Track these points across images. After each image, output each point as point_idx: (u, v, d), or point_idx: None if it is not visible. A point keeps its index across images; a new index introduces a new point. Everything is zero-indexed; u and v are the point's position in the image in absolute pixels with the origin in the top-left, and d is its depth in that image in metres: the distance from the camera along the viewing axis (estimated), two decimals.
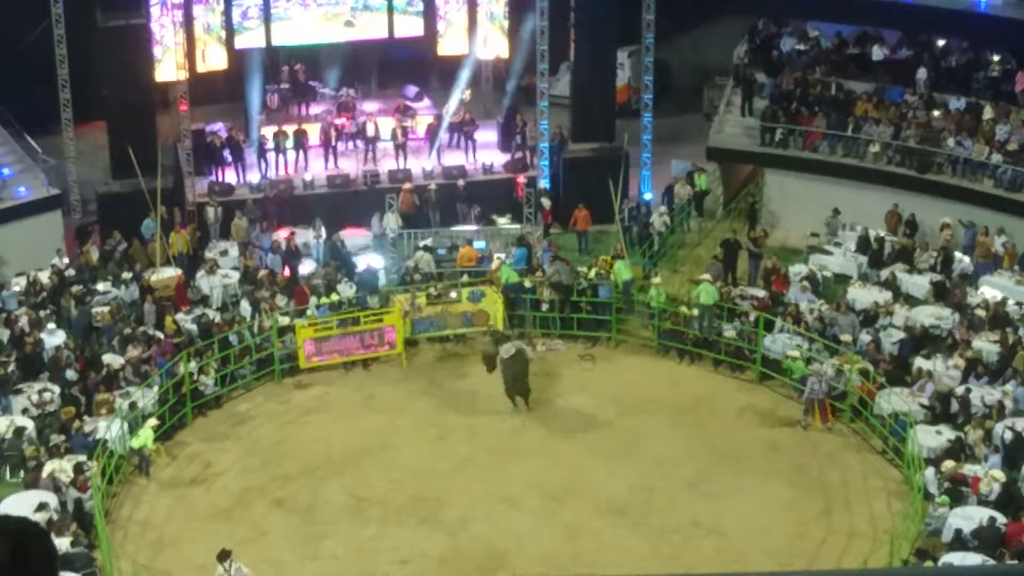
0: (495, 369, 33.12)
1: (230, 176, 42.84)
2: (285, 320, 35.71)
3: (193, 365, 33.53)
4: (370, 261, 38.91)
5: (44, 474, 29.42)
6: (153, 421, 31.50)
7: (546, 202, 41.79)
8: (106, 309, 36.07)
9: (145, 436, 30.98)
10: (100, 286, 37.82)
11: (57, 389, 32.78)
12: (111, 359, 34.19)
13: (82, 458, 30.02)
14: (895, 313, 35.76)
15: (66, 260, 38.78)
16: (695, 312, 35.67)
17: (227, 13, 43.34)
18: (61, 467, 29.78)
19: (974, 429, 30.84)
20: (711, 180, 43.87)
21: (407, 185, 41.74)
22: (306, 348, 34.97)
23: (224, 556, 26.51)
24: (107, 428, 30.91)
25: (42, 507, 27.96)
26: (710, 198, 43.94)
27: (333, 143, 43.46)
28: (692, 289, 36.92)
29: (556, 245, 40.66)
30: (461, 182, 42.44)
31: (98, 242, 40.13)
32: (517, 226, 40.92)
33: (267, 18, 43.93)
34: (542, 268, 38.02)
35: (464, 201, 41.96)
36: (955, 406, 31.96)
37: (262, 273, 37.92)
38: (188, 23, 41.79)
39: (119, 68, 40.34)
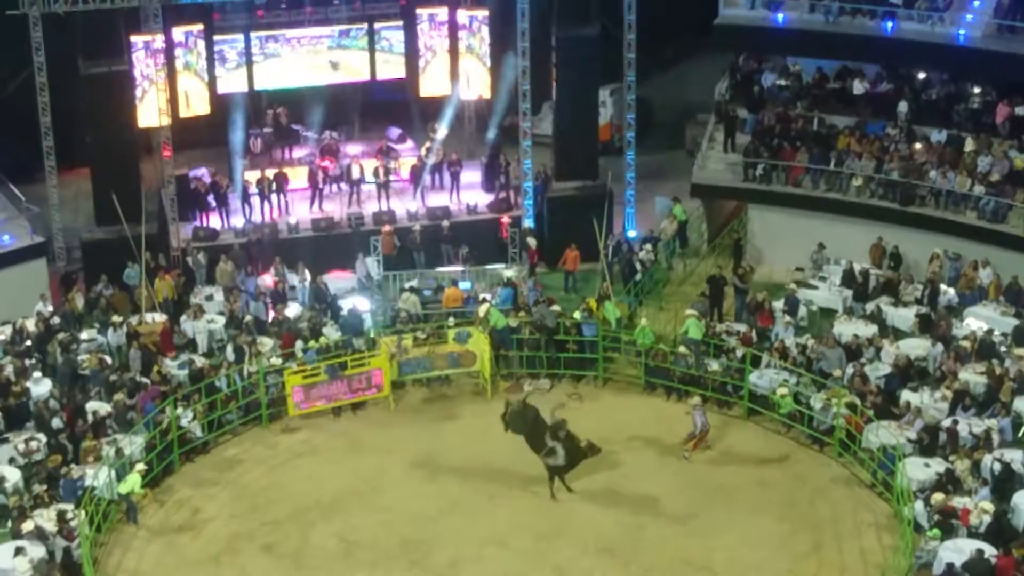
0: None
1: (214, 221, 42.85)
2: (277, 362, 35.61)
3: (180, 411, 33.43)
4: (355, 304, 38.90)
5: (30, 524, 29.27)
6: (141, 466, 31.36)
7: (532, 242, 41.83)
8: (92, 356, 35.99)
9: (133, 481, 30.84)
10: (85, 333, 37.75)
11: (44, 438, 32.64)
12: (97, 406, 34.07)
13: (68, 506, 29.87)
14: (883, 348, 35.72)
15: (50, 307, 38.68)
16: (683, 349, 35.70)
17: (209, 57, 43.44)
18: (47, 516, 29.66)
19: (961, 460, 30.83)
20: (688, 210, 43.79)
21: (387, 227, 41.76)
22: (295, 395, 34.88)
23: None
24: (95, 476, 30.78)
25: (19, 552, 27.90)
26: (694, 235, 43.95)
27: (320, 186, 43.51)
28: (678, 327, 36.96)
29: (542, 285, 40.68)
30: (445, 223, 42.47)
31: (83, 289, 40.04)
32: (502, 266, 40.96)
33: (249, 61, 44.04)
34: (528, 308, 37.98)
35: (449, 242, 41.98)
36: (943, 438, 31.96)
37: (248, 318, 37.88)
38: (170, 69, 41.84)
39: (102, 115, 40.33)
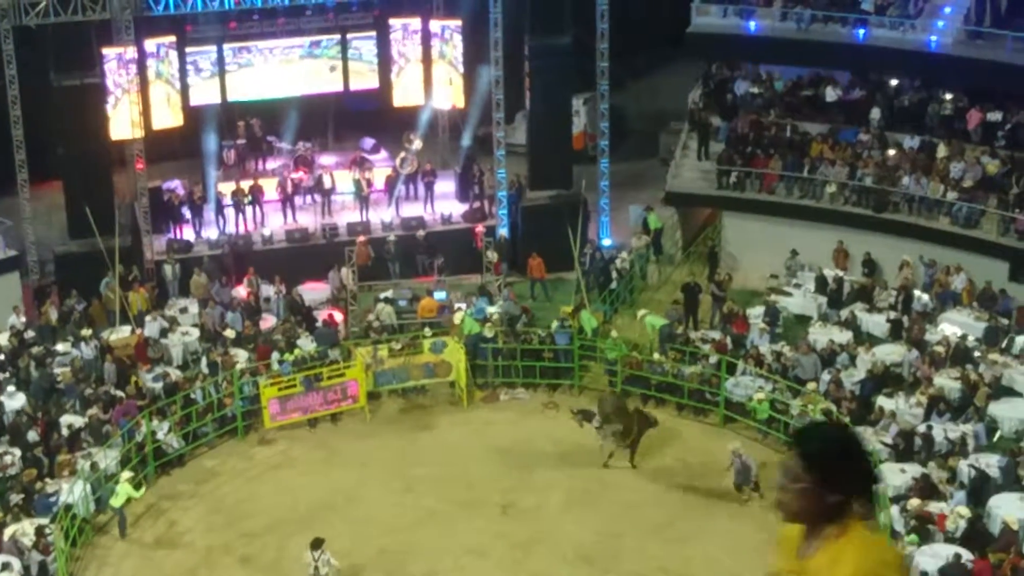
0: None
1: (188, 233, 42.76)
2: (248, 377, 35.56)
3: (156, 424, 33.34)
4: (329, 314, 38.84)
5: (6, 537, 29.16)
6: (127, 474, 31.25)
7: (492, 255, 41.66)
8: (67, 369, 35.86)
9: (125, 492, 30.69)
10: (60, 347, 37.61)
11: (18, 452, 32.50)
12: (72, 419, 33.96)
13: (44, 521, 29.75)
14: (859, 356, 35.79)
15: (23, 318, 38.56)
16: (657, 356, 35.84)
17: (181, 69, 43.36)
18: (23, 530, 29.54)
19: (938, 468, 30.90)
20: (663, 218, 43.85)
21: (361, 238, 41.73)
22: (271, 407, 34.82)
23: (317, 545, 27.92)
24: (70, 490, 30.66)
25: (5, 567, 27.75)
26: (669, 243, 43.99)
27: (291, 197, 43.45)
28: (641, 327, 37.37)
29: (516, 294, 40.70)
30: (421, 233, 42.45)
31: (57, 302, 39.88)
32: (477, 276, 41.01)
33: (222, 71, 43.96)
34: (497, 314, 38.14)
35: (424, 252, 41.96)
36: (918, 444, 32.04)
37: (228, 332, 37.82)
38: (143, 81, 41.74)
39: (74, 128, 40.24)
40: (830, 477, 6.48)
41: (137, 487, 31.16)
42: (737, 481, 31.51)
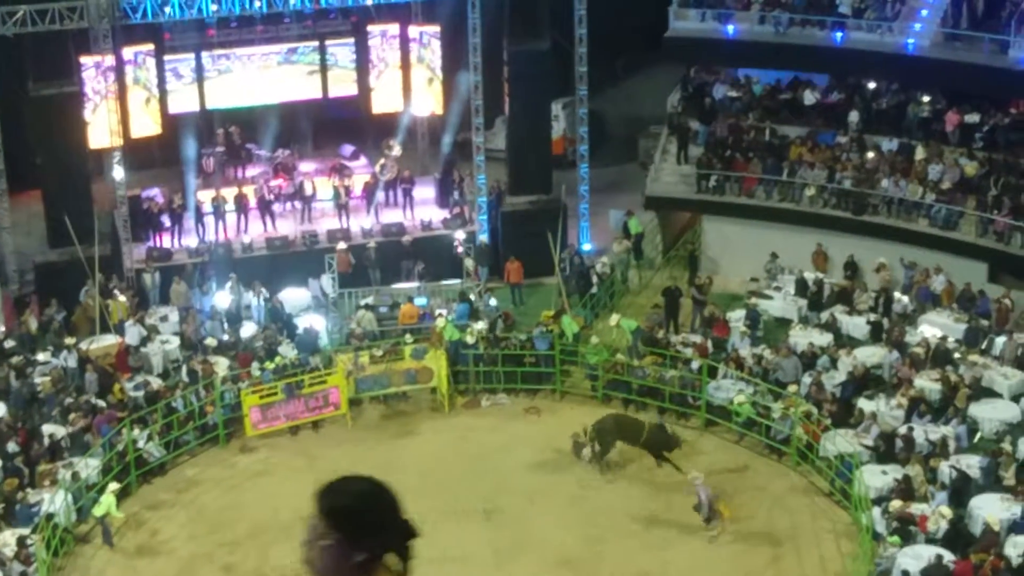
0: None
1: (168, 241, 42.68)
2: (230, 384, 35.49)
3: (137, 433, 33.26)
4: (310, 322, 38.82)
5: None
6: (114, 485, 31.21)
7: (470, 263, 41.64)
8: (47, 379, 35.77)
9: (107, 503, 30.65)
10: (40, 356, 37.51)
11: None
12: (53, 429, 33.87)
13: (26, 531, 29.67)
14: (840, 359, 35.86)
15: (3, 328, 38.48)
16: (636, 362, 35.90)
17: (160, 77, 43.32)
18: (4, 541, 29.46)
19: (914, 466, 30.98)
20: (644, 223, 43.90)
21: (341, 245, 41.70)
22: (252, 415, 34.78)
23: None
24: (51, 500, 30.57)
25: None
26: (649, 247, 44.02)
27: (271, 204, 43.37)
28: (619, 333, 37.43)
29: (497, 299, 40.73)
30: (407, 238, 42.41)
31: (36, 312, 39.77)
32: (457, 281, 41.02)
33: (200, 79, 43.93)
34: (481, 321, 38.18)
35: (410, 257, 41.93)
36: (899, 445, 32.12)
37: (210, 340, 37.77)
38: (121, 89, 41.67)
39: (53, 136, 40.16)
40: (356, 534, 6.14)
41: (118, 506, 31.04)
42: (705, 515, 30.66)
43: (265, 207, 43.31)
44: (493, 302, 39.91)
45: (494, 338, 37.40)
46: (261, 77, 44.60)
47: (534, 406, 36.42)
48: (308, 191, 43.90)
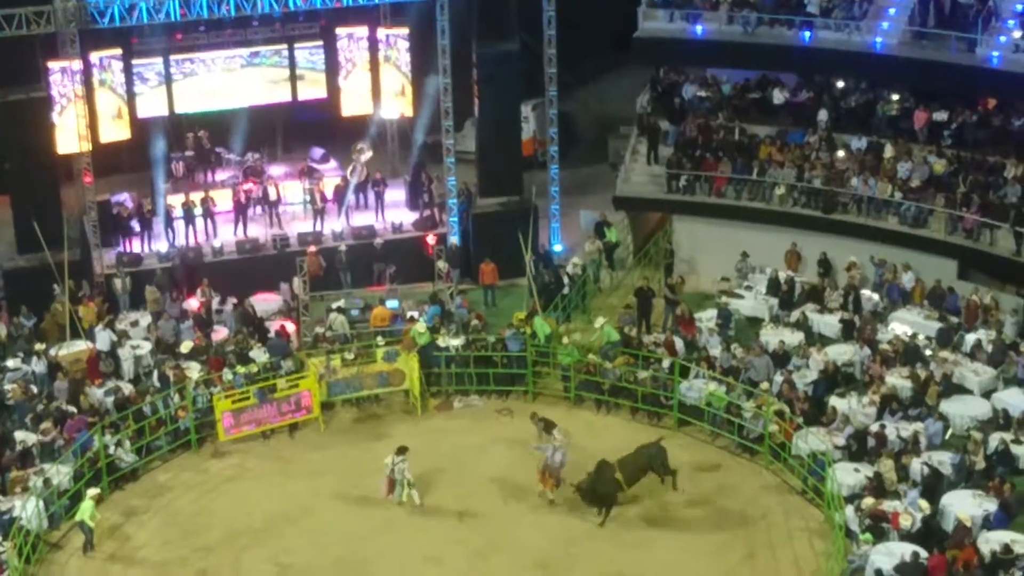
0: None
1: (137, 246, 42.53)
2: (202, 389, 35.37)
3: (109, 439, 33.12)
4: (282, 325, 38.74)
5: None
6: (93, 491, 31.08)
7: (442, 265, 41.61)
8: (16, 386, 35.59)
9: (86, 508, 30.50)
10: (9, 362, 37.33)
11: None
12: (24, 436, 33.71)
13: None
14: (812, 357, 35.94)
15: None
16: (609, 364, 35.90)
17: (128, 80, 43.17)
18: None
19: (885, 463, 31.07)
20: (620, 230, 43.99)
21: (312, 248, 41.62)
22: (224, 420, 34.67)
23: (401, 451, 31.63)
24: (23, 507, 30.43)
25: None
26: (620, 248, 44.03)
27: (244, 208, 43.25)
28: (597, 336, 37.45)
29: (468, 301, 40.72)
30: (379, 241, 42.35)
31: (5, 319, 39.58)
32: (429, 284, 40.99)
33: (168, 82, 43.80)
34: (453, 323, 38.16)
35: (381, 260, 41.87)
36: (872, 443, 32.21)
37: (184, 346, 37.66)
38: (89, 93, 41.51)
39: (21, 142, 39.91)
40: None
41: (92, 516, 30.90)
42: (551, 475, 31.69)
43: (241, 211, 43.17)
44: (458, 300, 39.96)
45: (465, 339, 37.39)
46: (226, 80, 44.46)
47: (507, 407, 36.40)
48: (273, 196, 43.78)
